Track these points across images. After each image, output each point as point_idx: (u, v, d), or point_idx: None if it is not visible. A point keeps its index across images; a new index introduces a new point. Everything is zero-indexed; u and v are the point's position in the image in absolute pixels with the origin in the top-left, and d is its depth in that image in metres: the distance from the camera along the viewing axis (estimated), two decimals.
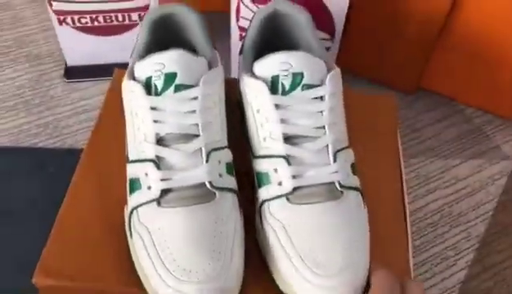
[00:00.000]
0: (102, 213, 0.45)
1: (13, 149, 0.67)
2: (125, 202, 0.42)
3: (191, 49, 0.48)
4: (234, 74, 0.74)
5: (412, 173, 0.68)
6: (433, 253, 0.60)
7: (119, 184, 0.43)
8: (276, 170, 0.41)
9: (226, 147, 0.42)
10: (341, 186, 0.40)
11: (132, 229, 0.40)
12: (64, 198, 0.46)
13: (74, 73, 0.75)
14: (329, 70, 0.43)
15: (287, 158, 0.40)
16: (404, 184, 0.49)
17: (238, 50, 0.69)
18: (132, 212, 0.40)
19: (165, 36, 0.48)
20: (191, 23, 0.47)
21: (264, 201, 0.41)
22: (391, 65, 0.74)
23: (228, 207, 0.40)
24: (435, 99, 0.76)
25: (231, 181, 0.41)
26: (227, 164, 0.41)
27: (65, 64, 0.76)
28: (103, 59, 0.74)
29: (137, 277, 0.39)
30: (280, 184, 0.40)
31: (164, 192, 0.39)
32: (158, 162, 0.39)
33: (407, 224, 0.46)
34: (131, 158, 0.41)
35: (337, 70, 0.44)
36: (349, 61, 0.75)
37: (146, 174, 0.39)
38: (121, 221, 0.43)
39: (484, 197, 0.65)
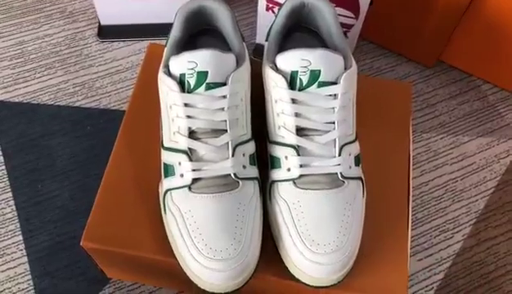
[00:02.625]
0: (142, 182, 0.51)
1: (54, 107, 0.72)
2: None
3: (222, 40, 0.52)
4: (258, 39, 0.77)
5: (423, 148, 0.72)
6: (433, 225, 0.66)
7: (157, 157, 0.48)
8: (286, 157, 0.46)
9: (250, 139, 0.47)
10: (343, 177, 0.45)
11: (166, 207, 0.46)
12: (100, 156, 0.51)
13: (107, 32, 0.78)
14: (346, 67, 0.47)
15: (297, 149, 0.45)
16: (411, 173, 0.54)
17: (263, 19, 0.72)
18: (166, 193, 0.46)
19: (197, 28, 0.51)
20: (222, 16, 0.50)
21: (274, 181, 0.47)
22: (414, 37, 0.75)
23: (250, 194, 0.46)
24: (452, 75, 0.79)
25: (253, 171, 0.47)
26: (251, 156, 0.47)
27: (99, 23, 0.79)
28: (135, 19, 0.77)
29: (171, 247, 0.46)
30: (288, 170, 0.46)
31: (195, 180, 0.45)
32: (190, 154, 0.45)
33: (409, 214, 0.51)
34: (165, 144, 0.47)
35: (353, 69, 0.47)
36: (371, 31, 0.77)
37: (180, 163, 0.45)
38: (158, 192, 0.49)
39: (488, 175, 0.70)
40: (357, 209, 0.46)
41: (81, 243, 0.48)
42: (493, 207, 0.67)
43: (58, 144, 0.69)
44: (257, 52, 0.78)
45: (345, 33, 0.71)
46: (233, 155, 0.45)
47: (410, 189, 0.53)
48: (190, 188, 0.45)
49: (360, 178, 0.48)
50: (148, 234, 0.48)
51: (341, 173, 0.46)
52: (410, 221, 0.51)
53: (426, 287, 0.62)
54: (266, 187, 0.48)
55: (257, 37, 0.77)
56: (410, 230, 0.51)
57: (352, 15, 0.67)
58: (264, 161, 0.49)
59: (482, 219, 0.67)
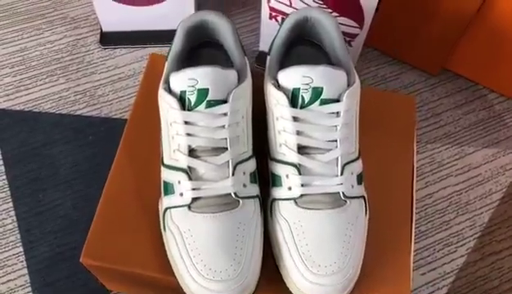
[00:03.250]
0: (143, 197, 0.50)
1: (55, 115, 0.72)
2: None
3: (223, 52, 0.51)
4: (262, 47, 0.76)
5: (427, 159, 0.71)
6: (437, 239, 0.65)
7: (159, 170, 0.48)
8: (287, 176, 0.45)
9: (251, 157, 0.46)
10: (345, 196, 0.45)
11: (166, 226, 0.46)
12: (102, 165, 0.51)
13: (109, 39, 0.78)
14: (349, 83, 0.46)
15: (298, 167, 0.45)
16: (414, 183, 0.53)
17: (267, 28, 0.71)
18: (166, 211, 0.46)
19: (199, 41, 0.51)
20: (224, 31, 0.49)
21: (275, 199, 0.46)
22: (419, 45, 0.74)
23: (250, 212, 0.45)
24: (458, 83, 0.78)
25: (253, 189, 0.46)
26: (251, 174, 0.46)
27: (101, 30, 0.78)
28: (138, 25, 0.77)
29: (170, 265, 0.46)
30: (290, 189, 0.45)
31: (194, 199, 0.44)
32: (189, 173, 0.44)
33: (412, 228, 0.51)
34: (165, 161, 0.46)
35: (356, 85, 0.46)
36: (375, 38, 0.76)
37: (179, 182, 0.44)
38: (158, 210, 0.48)
39: (493, 187, 0.69)
40: (359, 229, 0.45)
41: (80, 260, 0.48)
42: (498, 221, 0.67)
43: (60, 152, 0.69)
44: (260, 59, 0.77)
45: (349, 43, 0.70)
46: (233, 174, 0.44)
47: (414, 202, 0.52)
48: (189, 207, 0.44)
49: (362, 197, 0.47)
50: (149, 252, 0.48)
51: (343, 193, 0.45)
52: (413, 235, 0.51)
53: None
54: (267, 204, 0.48)
55: (260, 45, 0.76)
56: (413, 244, 0.50)
57: (357, 25, 0.66)
58: (265, 178, 0.49)
59: (487, 232, 0.66)
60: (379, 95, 0.59)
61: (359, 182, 0.47)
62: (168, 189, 0.46)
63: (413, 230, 0.51)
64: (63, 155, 0.69)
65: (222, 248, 0.43)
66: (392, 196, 0.52)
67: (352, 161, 0.46)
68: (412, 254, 0.50)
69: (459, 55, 0.74)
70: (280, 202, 0.46)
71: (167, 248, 0.46)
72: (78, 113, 0.72)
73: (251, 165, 0.46)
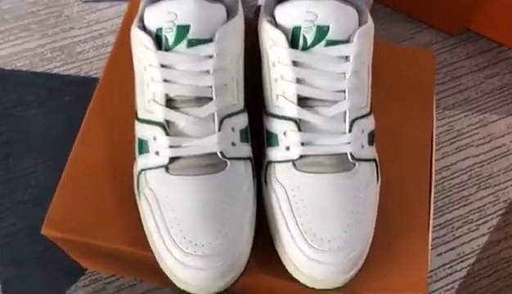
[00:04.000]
0: (115, 163, 0.43)
1: (29, 74, 0.64)
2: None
3: None
4: (261, 1, 0.68)
5: (445, 126, 0.63)
6: (455, 216, 0.58)
7: (134, 134, 0.40)
8: (285, 133, 0.38)
9: (242, 111, 0.39)
10: (353, 158, 0.37)
11: (141, 192, 0.38)
12: (78, 129, 0.44)
13: None
14: (360, 23, 0.38)
15: (298, 123, 0.37)
16: (433, 151, 0.46)
17: None
18: (140, 173, 0.39)
19: None
20: None
21: (270, 162, 0.39)
22: (437, 1, 0.66)
23: (240, 176, 0.38)
24: (480, 44, 0.69)
25: (245, 150, 0.38)
26: (242, 131, 0.38)
27: None
28: None
29: (145, 238, 0.39)
30: (287, 148, 0.38)
31: (173, 159, 0.37)
32: (167, 127, 0.37)
33: (431, 200, 0.43)
34: (140, 115, 0.39)
35: (369, 24, 0.38)
36: None
37: (155, 138, 0.37)
38: (132, 175, 0.41)
39: None
40: (369, 198, 0.38)
41: (42, 231, 0.41)
42: None
43: (33, 115, 0.62)
44: (258, 13, 0.68)
45: None
46: (220, 129, 0.37)
47: (433, 173, 0.45)
48: (167, 169, 0.37)
49: (374, 160, 0.39)
50: (120, 222, 0.41)
51: (351, 154, 0.37)
52: (432, 210, 0.43)
53: (446, 285, 0.54)
54: (261, 169, 0.41)
55: None
56: (431, 221, 0.43)
57: None
58: (261, 139, 0.41)
59: None
60: (393, 50, 0.51)
61: (370, 142, 0.39)
62: (143, 147, 0.38)
63: (432, 203, 0.43)
64: (36, 118, 0.61)
65: (206, 218, 0.35)
66: (409, 163, 0.45)
67: (363, 116, 0.38)
68: (431, 231, 0.42)
69: (481, 13, 0.66)
70: (276, 165, 0.39)
71: (142, 218, 0.39)
72: (55, 71, 0.65)
73: (242, 120, 0.39)
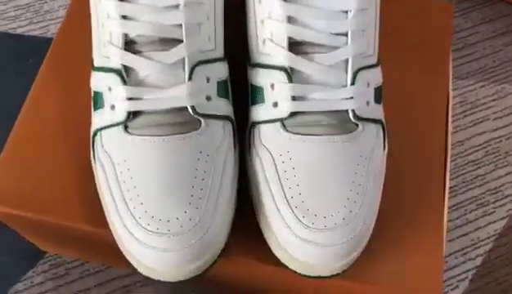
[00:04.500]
0: (69, 129, 0.36)
1: None
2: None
3: None
4: None
5: (458, 98, 0.56)
6: (469, 197, 0.51)
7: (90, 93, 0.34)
8: (272, 86, 0.31)
9: (220, 59, 0.32)
10: (356, 117, 0.30)
11: (96, 156, 0.32)
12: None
13: None
14: None
15: (289, 72, 0.30)
16: (449, 119, 0.39)
17: None
18: (95, 135, 0.32)
19: None
20: None
21: (255, 123, 0.32)
22: None
23: (217, 139, 0.31)
24: (498, 8, 0.62)
25: (223, 106, 0.31)
26: (220, 83, 0.31)
27: None
28: None
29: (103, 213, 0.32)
30: (275, 105, 0.31)
31: (132, 114, 0.30)
32: (124, 75, 0.30)
33: (446, 176, 0.36)
34: (95, 63, 0.32)
35: None
36: None
37: (110, 89, 0.30)
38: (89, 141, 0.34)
39: None
40: (374, 166, 0.31)
41: None
42: None
43: None
44: None
45: None
46: (190, 78, 0.30)
47: (449, 146, 0.38)
48: (126, 127, 0.30)
49: (381, 122, 0.32)
50: (77, 196, 0.34)
51: (354, 111, 0.30)
52: (447, 187, 0.36)
53: (459, 275, 0.47)
54: (245, 134, 0.34)
55: None
56: (447, 200, 0.36)
57: None
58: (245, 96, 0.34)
59: None
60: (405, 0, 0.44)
61: (377, 100, 0.32)
62: (98, 101, 0.31)
63: (447, 181, 0.36)
64: None
65: (173, 187, 0.29)
66: (420, 130, 0.38)
67: (369, 67, 0.31)
68: (446, 213, 0.35)
69: None
70: (261, 126, 0.32)
71: (98, 189, 0.32)
72: (19, 32, 0.57)
73: (220, 70, 0.32)
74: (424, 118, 0.38)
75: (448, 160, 0.38)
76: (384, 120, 0.33)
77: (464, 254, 0.48)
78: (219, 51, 0.32)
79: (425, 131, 0.38)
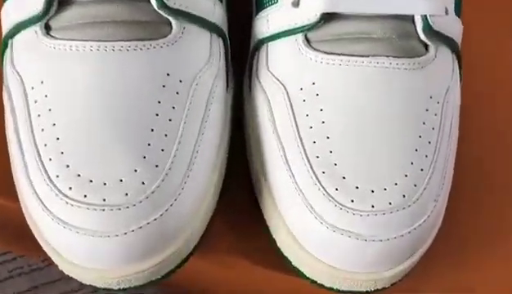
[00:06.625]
0: None
1: None
2: None
3: None
4: None
5: None
6: None
7: None
8: None
9: None
10: (429, 30, 0.19)
11: (4, 76, 0.20)
12: None
13: None
14: None
15: None
16: None
17: None
18: (5, 46, 0.20)
19: None
20: None
21: (261, 41, 0.21)
22: None
23: (199, 58, 0.20)
24: None
25: (211, 7, 0.20)
26: None
27: None
28: None
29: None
30: (295, 4, 0.20)
31: (57, 7, 0.18)
32: None
33: None
34: None
35: None
36: None
37: None
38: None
39: None
40: (450, 115, 0.20)
41: None
42: None
43: None
44: None
45: None
46: None
47: None
48: (47, 28, 0.19)
49: (458, 47, 0.21)
50: None
51: (427, 20, 0.19)
52: None
53: None
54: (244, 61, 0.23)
55: None
56: None
57: None
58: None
59: None
60: None
61: (457, 11, 0.21)
62: None
63: None
64: None
65: (117, 129, 0.18)
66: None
67: None
68: None
69: None
70: (269, 45, 0.21)
71: (6, 134, 0.20)
72: None
73: None
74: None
75: None
76: (459, 46, 0.21)
77: None
78: None
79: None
